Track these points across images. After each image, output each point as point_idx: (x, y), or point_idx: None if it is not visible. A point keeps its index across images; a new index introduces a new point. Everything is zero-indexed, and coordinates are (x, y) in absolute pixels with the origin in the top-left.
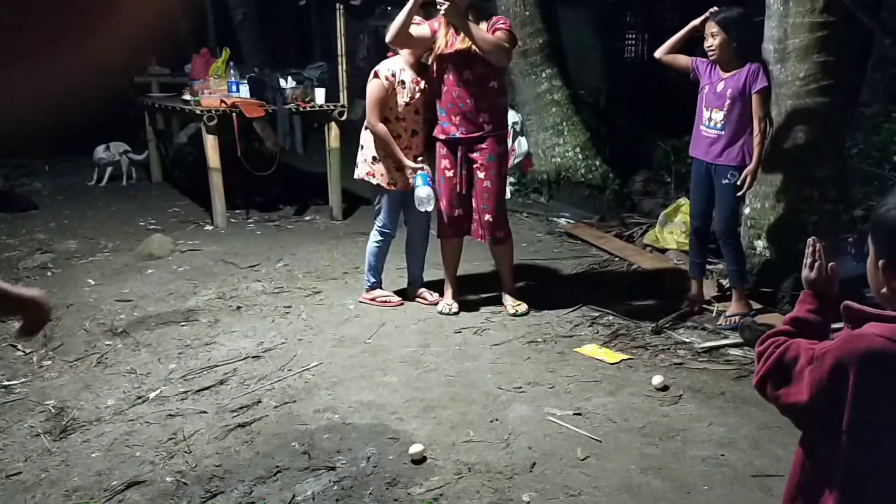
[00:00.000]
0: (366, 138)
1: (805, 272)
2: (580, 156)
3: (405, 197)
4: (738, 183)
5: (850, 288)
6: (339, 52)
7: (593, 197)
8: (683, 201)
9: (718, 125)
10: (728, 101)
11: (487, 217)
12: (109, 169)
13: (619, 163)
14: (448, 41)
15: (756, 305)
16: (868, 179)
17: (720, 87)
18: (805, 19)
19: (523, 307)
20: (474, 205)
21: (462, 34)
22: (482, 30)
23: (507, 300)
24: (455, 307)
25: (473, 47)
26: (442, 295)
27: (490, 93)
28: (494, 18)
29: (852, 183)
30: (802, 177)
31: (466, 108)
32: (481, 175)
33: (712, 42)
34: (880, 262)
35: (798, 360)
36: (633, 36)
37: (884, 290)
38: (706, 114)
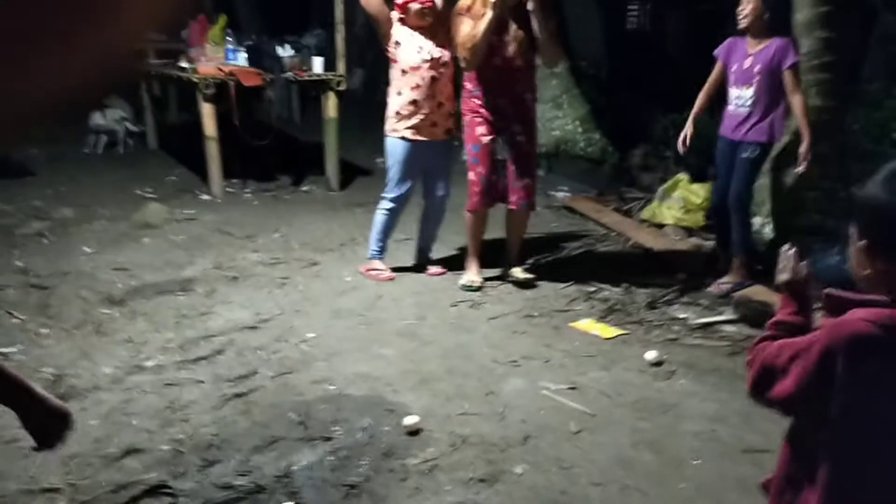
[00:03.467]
0: (390, 96)
1: (779, 276)
2: (580, 129)
3: (427, 157)
4: (799, 169)
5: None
6: (338, 20)
7: (592, 170)
8: (682, 176)
9: (748, 102)
10: (757, 77)
11: (527, 181)
12: (105, 136)
13: (618, 136)
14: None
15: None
16: (867, 157)
17: (747, 63)
18: None
19: (531, 276)
20: (514, 170)
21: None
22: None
23: (515, 269)
24: (479, 282)
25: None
26: (448, 268)
27: (532, 64)
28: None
29: (852, 160)
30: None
31: (516, 79)
32: (521, 139)
33: (745, 7)
34: (862, 243)
35: (780, 357)
36: (636, 7)
37: (867, 271)
38: (734, 92)
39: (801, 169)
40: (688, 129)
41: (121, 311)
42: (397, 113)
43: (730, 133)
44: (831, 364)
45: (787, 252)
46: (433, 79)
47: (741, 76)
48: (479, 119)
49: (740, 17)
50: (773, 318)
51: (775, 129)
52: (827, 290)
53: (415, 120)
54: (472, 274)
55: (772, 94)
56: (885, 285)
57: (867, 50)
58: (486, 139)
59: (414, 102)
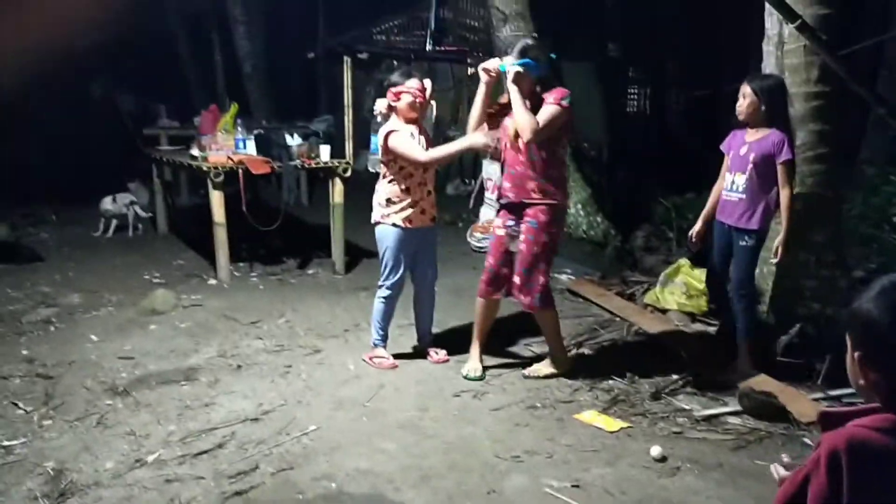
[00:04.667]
0: (379, 183)
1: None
2: (582, 212)
3: (417, 243)
4: (773, 260)
5: None
6: (346, 104)
7: (595, 253)
8: (684, 262)
9: (740, 188)
10: (750, 165)
11: (515, 279)
12: (115, 220)
13: (620, 218)
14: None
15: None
16: (867, 241)
17: (743, 150)
18: (800, 89)
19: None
20: (516, 269)
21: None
22: (525, 107)
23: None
24: (480, 371)
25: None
26: (452, 353)
27: (539, 163)
28: (555, 92)
29: (851, 244)
30: (799, 242)
31: (517, 174)
32: (521, 237)
33: (742, 102)
34: (856, 355)
35: (790, 490)
36: (636, 90)
37: (861, 381)
38: (730, 178)
39: (774, 261)
40: (697, 227)
41: (124, 402)
42: (388, 200)
43: (724, 217)
44: (838, 467)
45: (776, 472)
46: (420, 167)
47: (737, 162)
48: (499, 210)
49: (738, 110)
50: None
51: (767, 216)
52: (821, 410)
53: (407, 208)
54: (473, 362)
55: (764, 182)
56: (878, 394)
57: (865, 131)
58: (500, 231)
59: (407, 190)
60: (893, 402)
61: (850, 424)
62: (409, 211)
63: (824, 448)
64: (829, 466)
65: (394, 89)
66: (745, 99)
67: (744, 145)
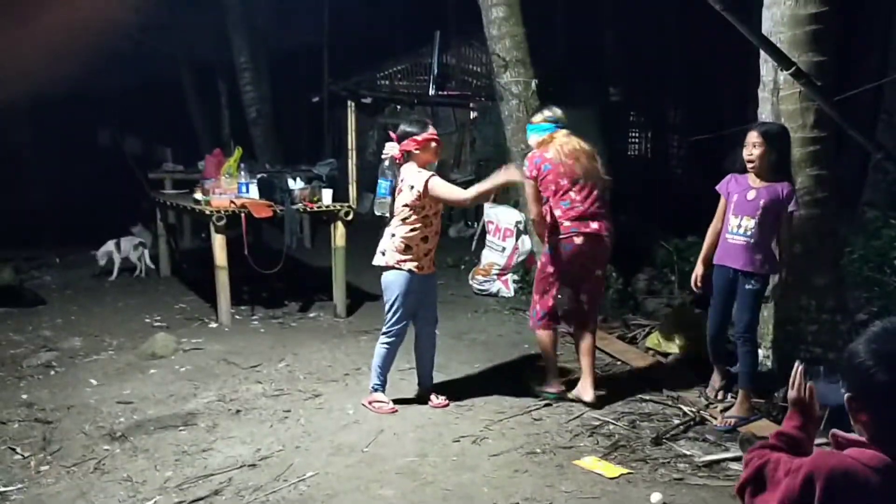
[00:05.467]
0: (397, 227)
1: (789, 392)
2: None
3: (422, 289)
4: (770, 291)
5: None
6: (350, 147)
7: None
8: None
9: (749, 232)
10: (760, 211)
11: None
12: (119, 262)
13: (622, 261)
14: None
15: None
16: (869, 284)
17: (751, 195)
18: (797, 135)
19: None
20: None
21: None
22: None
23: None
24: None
25: None
26: (452, 399)
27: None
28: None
29: (853, 288)
30: (799, 286)
31: None
32: None
33: (752, 152)
34: (846, 395)
35: (777, 471)
36: (637, 134)
37: (854, 420)
38: (734, 221)
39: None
40: (698, 270)
41: (122, 447)
42: (407, 247)
43: (729, 261)
44: (811, 491)
45: (797, 370)
46: (438, 215)
47: (744, 207)
48: None
49: (748, 159)
50: (778, 429)
51: (773, 260)
52: (833, 431)
53: (422, 255)
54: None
55: (772, 227)
56: (867, 434)
57: (866, 174)
58: None
59: (425, 239)
60: (879, 441)
61: (847, 452)
62: (423, 258)
63: (807, 466)
64: (804, 483)
65: (418, 138)
66: (756, 148)
67: (750, 190)
